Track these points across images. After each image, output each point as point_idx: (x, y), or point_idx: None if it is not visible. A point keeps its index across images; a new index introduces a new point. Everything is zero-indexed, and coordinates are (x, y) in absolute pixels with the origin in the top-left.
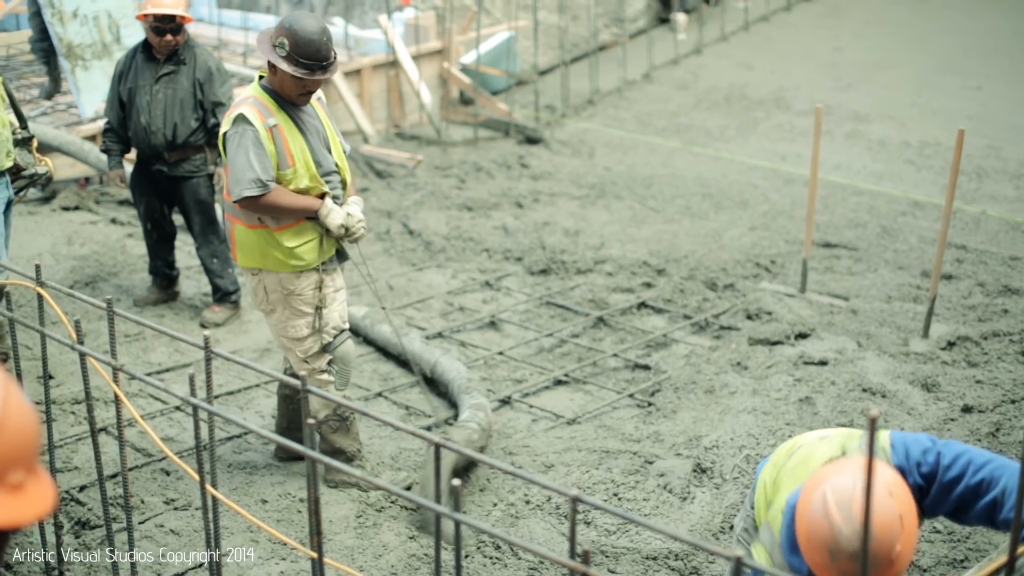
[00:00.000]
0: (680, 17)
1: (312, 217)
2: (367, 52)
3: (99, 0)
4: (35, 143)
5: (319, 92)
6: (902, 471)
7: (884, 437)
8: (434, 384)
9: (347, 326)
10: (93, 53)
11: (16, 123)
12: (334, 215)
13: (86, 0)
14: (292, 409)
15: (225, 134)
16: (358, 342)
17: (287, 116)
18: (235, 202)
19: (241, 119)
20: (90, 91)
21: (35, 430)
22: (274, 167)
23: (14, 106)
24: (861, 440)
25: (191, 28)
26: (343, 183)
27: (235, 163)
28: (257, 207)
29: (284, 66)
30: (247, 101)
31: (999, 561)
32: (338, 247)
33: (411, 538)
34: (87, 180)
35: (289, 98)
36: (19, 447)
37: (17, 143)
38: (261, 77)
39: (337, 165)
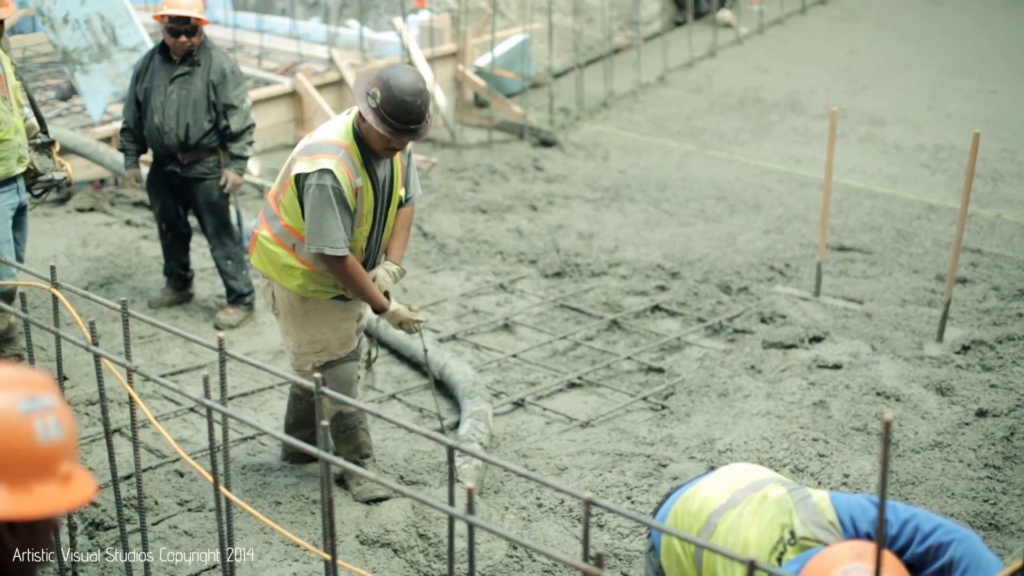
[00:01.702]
0: (726, 14)
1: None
2: (382, 54)
3: (88, 3)
4: (56, 147)
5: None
6: None
7: (828, 509)
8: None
9: (345, 352)
10: (91, 56)
11: (37, 127)
12: (397, 316)
13: (75, 5)
14: (300, 408)
15: (306, 177)
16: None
17: (367, 174)
18: (312, 251)
19: (326, 173)
20: (94, 94)
21: (17, 442)
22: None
23: (35, 110)
24: (800, 514)
25: (207, 30)
26: (383, 237)
27: (320, 217)
28: (329, 266)
29: (371, 118)
30: (338, 153)
31: (1014, 565)
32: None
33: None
34: (102, 182)
35: (374, 150)
36: None
37: (38, 147)
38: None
39: (387, 220)
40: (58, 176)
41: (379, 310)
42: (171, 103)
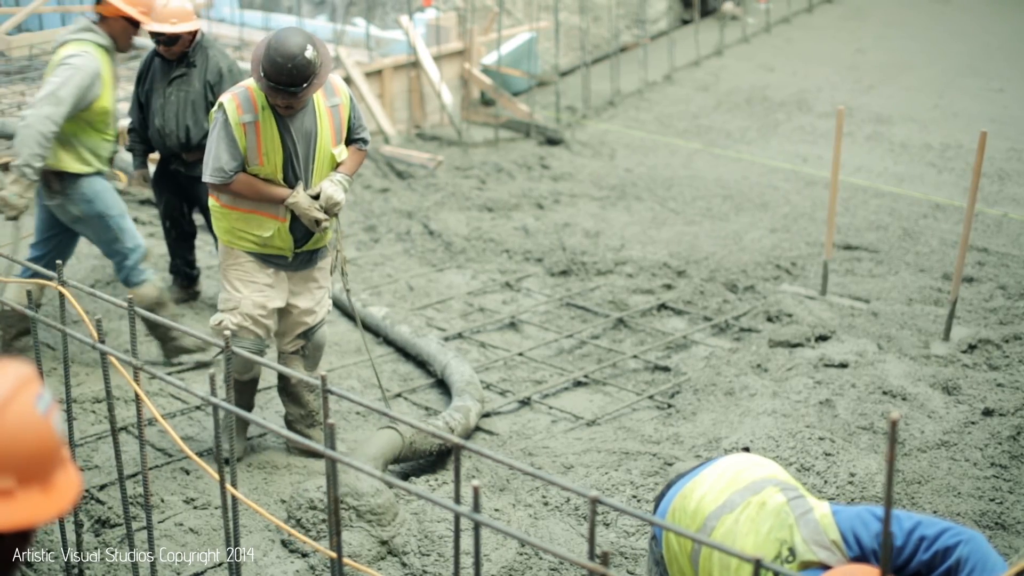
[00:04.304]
0: (728, 5)
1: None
2: (388, 53)
3: None
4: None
5: (337, 98)
6: (857, 563)
7: (831, 527)
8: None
9: (260, 314)
10: None
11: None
12: (298, 207)
13: None
14: (285, 401)
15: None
16: (378, 342)
17: (271, 115)
18: (206, 183)
19: (220, 108)
20: None
21: (35, 442)
22: (244, 160)
23: None
24: (802, 531)
25: (213, 28)
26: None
27: (208, 150)
28: (224, 192)
29: (253, 74)
30: (236, 90)
31: (1020, 565)
32: (294, 252)
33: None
34: None
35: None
36: (5, 454)
37: None
38: None
39: (313, 176)
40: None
41: (282, 202)
42: (170, 105)
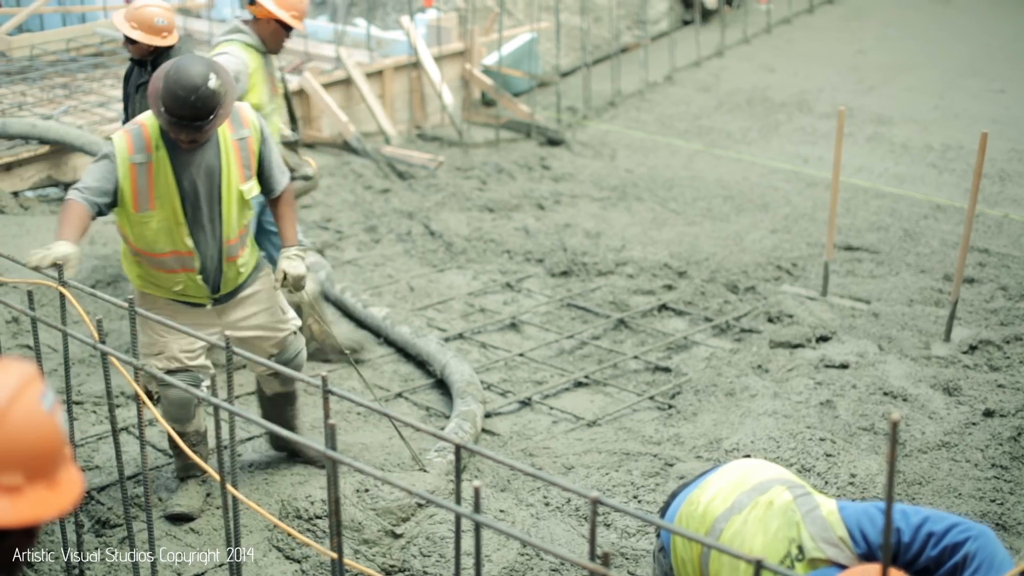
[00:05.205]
0: None
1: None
2: (389, 53)
3: None
4: (300, 144)
5: (246, 129)
6: (865, 559)
7: (837, 523)
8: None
9: (189, 361)
10: None
11: (285, 128)
12: (35, 259)
13: None
14: (264, 407)
15: None
16: (379, 342)
17: (166, 155)
18: None
19: (109, 140)
20: None
21: (42, 439)
22: (131, 206)
23: (289, 109)
24: (808, 527)
25: (214, 28)
26: (223, 237)
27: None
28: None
29: (154, 111)
30: (130, 127)
31: (1021, 566)
32: (212, 298)
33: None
34: None
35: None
36: (13, 451)
37: (286, 145)
38: None
39: (223, 216)
40: (308, 171)
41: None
42: (137, 111)
